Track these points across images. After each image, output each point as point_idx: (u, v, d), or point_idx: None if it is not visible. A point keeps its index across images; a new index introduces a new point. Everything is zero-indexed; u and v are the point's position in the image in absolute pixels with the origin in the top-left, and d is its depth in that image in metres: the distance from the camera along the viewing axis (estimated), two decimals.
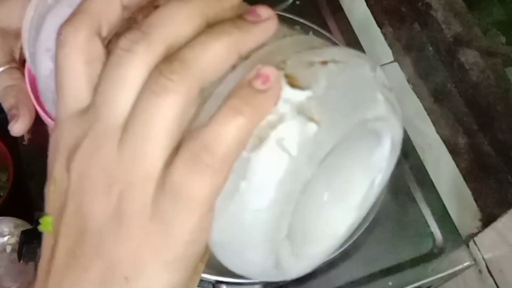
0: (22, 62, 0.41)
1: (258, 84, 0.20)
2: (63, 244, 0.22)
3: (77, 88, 0.22)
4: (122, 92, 0.21)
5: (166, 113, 0.20)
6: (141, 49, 0.21)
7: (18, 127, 0.38)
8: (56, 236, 0.22)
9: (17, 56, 0.40)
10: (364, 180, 0.27)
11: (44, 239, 0.23)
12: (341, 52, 0.23)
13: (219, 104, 0.20)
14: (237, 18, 0.22)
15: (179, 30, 0.21)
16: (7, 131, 0.39)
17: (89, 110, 0.22)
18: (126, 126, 0.21)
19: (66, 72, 0.22)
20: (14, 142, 0.75)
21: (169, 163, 0.20)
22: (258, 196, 0.20)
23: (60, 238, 0.22)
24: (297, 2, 0.81)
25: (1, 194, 0.83)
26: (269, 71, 0.20)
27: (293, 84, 0.20)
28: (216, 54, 0.21)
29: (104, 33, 0.23)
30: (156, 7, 0.23)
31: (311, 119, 0.20)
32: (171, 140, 0.21)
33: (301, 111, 0.20)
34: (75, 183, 0.22)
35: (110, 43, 0.23)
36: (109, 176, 0.21)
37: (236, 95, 0.20)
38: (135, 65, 0.21)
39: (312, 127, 0.20)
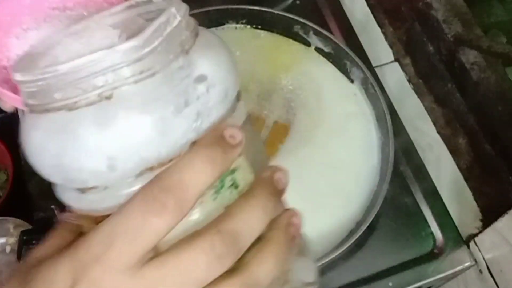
0: None
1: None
2: None
3: (139, 250, 0.22)
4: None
5: None
6: (230, 263, 0.23)
7: None
8: None
9: None
10: None
11: None
12: None
13: None
14: (288, 233, 0.25)
15: (252, 239, 0.24)
16: (7, 131, 0.38)
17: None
18: None
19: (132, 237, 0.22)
20: (14, 142, 0.75)
21: None
22: None
23: None
24: (297, 2, 0.81)
25: (1, 194, 0.83)
26: None
27: None
28: (273, 272, 0.24)
29: None
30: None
31: None
32: None
33: None
34: None
35: None
36: None
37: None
38: (221, 271, 0.23)
39: None
